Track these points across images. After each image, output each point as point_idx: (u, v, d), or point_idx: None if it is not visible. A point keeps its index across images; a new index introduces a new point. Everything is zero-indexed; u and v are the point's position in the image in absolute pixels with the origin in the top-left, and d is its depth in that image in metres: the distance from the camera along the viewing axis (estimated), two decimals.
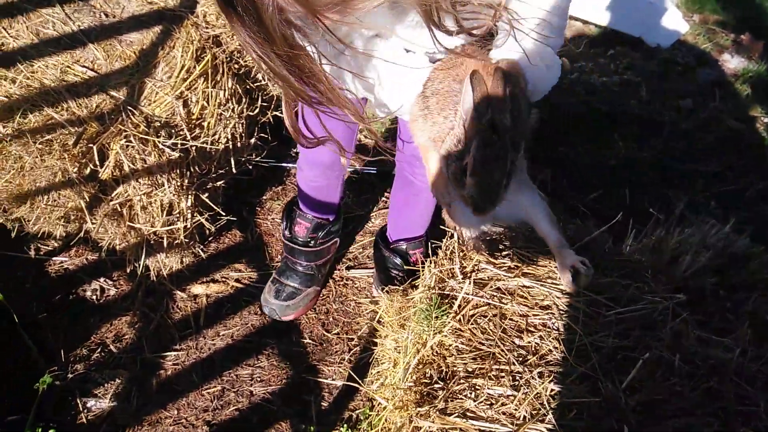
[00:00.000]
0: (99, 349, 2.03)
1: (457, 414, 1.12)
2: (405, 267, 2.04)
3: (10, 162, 1.88)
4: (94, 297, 2.19)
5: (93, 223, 2.04)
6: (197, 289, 2.26)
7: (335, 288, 2.31)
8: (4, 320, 2.01)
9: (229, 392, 1.96)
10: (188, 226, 2.09)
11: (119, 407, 1.89)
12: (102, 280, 2.23)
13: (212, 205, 2.11)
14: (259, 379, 2.01)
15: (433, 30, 1.00)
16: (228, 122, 2.17)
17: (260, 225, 2.52)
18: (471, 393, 1.15)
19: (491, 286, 1.34)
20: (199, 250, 2.33)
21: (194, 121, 2.06)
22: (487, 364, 1.19)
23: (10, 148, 1.81)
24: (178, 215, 2.05)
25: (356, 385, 1.91)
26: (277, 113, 2.38)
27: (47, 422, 1.80)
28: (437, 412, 1.11)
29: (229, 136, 2.18)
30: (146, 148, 1.91)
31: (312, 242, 2.15)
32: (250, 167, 2.44)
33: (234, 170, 2.25)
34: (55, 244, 2.32)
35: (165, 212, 1.99)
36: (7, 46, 1.96)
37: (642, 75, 3.54)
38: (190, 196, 2.05)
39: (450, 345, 1.25)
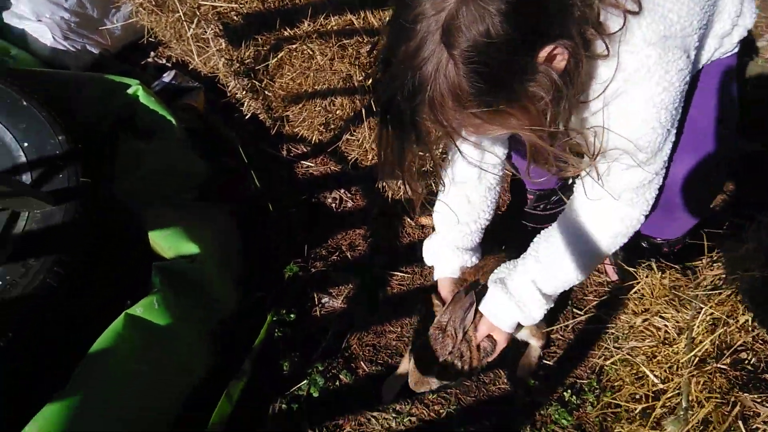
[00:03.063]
0: (336, 253, 2.13)
1: None
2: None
3: (300, 60, 1.98)
4: (334, 205, 2.29)
5: (352, 135, 2.12)
6: (426, 220, 2.27)
7: None
8: (260, 210, 2.19)
9: None
10: (438, 154, 2.09)
11: (349, 309, 1.97)
12: (342, 191, 2.32)
13: None
14: None
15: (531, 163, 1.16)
16: None
17: None
18: None
19: None
20: (432, 183, 2.34)
21: None
22: None
23: (308, 46, 1.90)
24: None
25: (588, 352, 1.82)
26: None
27: (288, 307, 1.93)
28: None
29: None
30: None
31: (540, 207, 2.09)
32: None
33: None
34: (305, 149, 2.46)
35: None
36: None
37: None
38: None
39: None
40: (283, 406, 1.70)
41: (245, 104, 2.41)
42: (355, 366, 1.84)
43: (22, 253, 1.53)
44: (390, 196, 2.25)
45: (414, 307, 1.99)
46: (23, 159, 1.72)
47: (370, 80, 1.91)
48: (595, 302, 1.99)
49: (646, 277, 1.60)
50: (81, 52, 2.44)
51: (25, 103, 1.81)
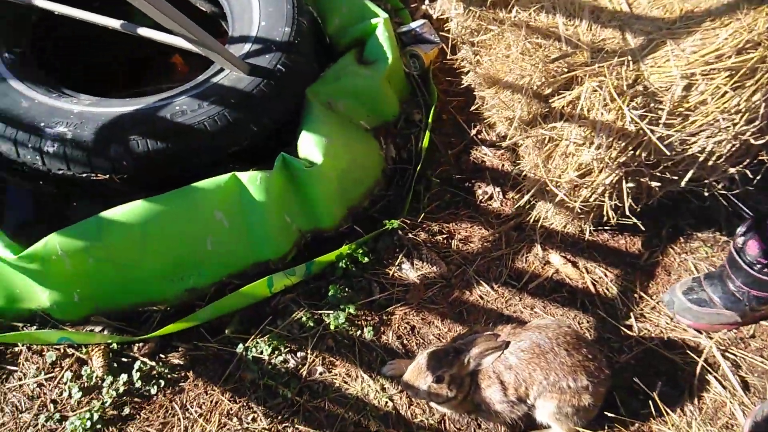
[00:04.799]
0: (446, 236, 2.13)
1: None
2: None
3: (501, 47, 1.96)
4: (481, 196, 2.26)
5: (522, 140, 2.04)
6: (554, 257, 2.09)
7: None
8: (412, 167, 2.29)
9: None
10: (589, 199, 1.89)
11: (417, 288, 1.99)
12: (497, 189, 2.27)
13: (626, 198, 1.82)
14: None
15: None
16: (718, 134, 1.76)
17: (668, 252, 2.11)
18: None
19: None
20: (587, 229, 2.12)
21: (680, 109, 1.73)
22: None
23: (505, 35, 1.87)
24: (588, 183, 1.85)
25: None
26: None
27: (368, 252, 2.03)
28: None
29: (708, 149, 1.78)
30: (610, 105, 1.71)
31: (757, 267, 1.76)
32: (706, 194, 1.99)
33: (683, 184, 1.87)
34: (493, 138, 2.44)
35: (577, 172, 1.82)
36: None
37: None
38: (614, 175, 1.81)
39: None
40: (304, 318, 1.86)
41: (467, 74, 2.48)
42: (383, 332, 1.88)
43: (204, 95, 1.94)
44: (533, 217, 2.13)
45: (473, 323, 1.91)
46: (254, 33, 2.13)
47: (549, 89, 1.79)
48: None
49: None
50: None
51: None
